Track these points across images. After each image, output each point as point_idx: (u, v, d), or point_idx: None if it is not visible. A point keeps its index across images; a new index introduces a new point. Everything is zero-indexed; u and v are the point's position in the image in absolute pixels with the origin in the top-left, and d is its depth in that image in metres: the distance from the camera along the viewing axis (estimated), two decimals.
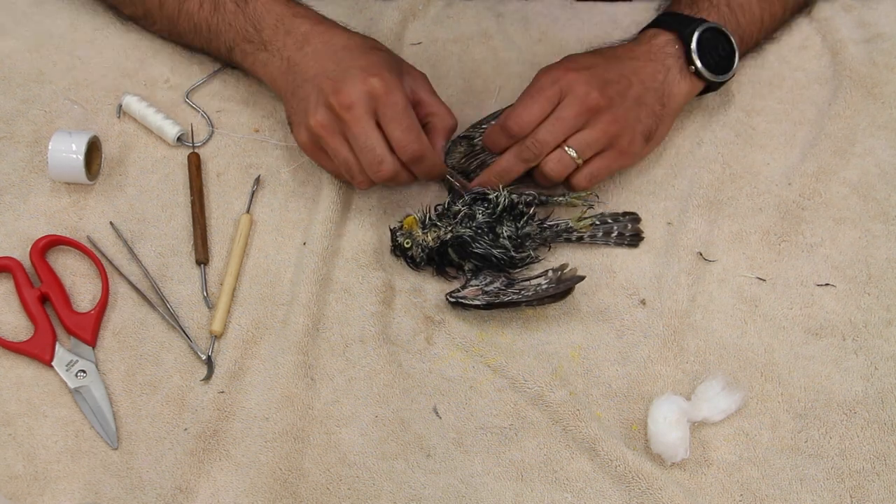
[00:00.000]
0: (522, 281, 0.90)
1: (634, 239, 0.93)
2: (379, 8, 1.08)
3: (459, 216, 0.90)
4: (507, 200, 0.90)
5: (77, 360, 0.85)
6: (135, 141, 0.97)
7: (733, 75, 0.96)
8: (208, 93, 1.01)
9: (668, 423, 0.82)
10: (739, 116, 1.01)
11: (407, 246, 0.90)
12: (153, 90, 1.00)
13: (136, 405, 0.84)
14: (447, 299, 0.88)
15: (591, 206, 0.94)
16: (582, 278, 0.87)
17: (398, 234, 0.90)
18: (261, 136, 0.98)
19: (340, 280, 0.91)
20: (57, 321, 0.87)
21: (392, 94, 0.86)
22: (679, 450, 0.81)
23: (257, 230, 0.93)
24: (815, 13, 1.08)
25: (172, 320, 0.88)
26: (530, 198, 0.92)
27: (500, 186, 0.91)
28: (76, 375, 0.84)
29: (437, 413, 0.85)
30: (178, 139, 0.97)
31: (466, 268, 0.90)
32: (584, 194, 0.93)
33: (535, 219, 0.91)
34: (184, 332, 0.87)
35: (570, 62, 0.91)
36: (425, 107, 0.91)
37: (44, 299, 0.88)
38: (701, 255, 0.93)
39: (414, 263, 0.91)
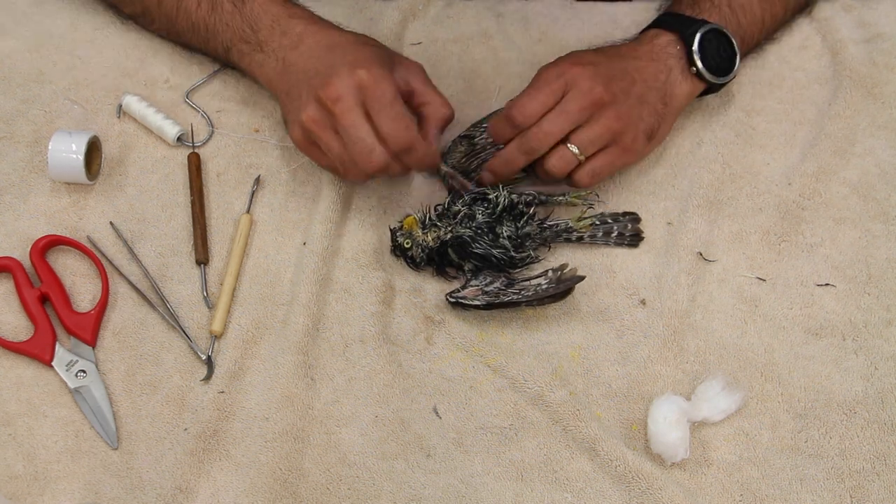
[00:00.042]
0: (522, 281, 0.90)
1: (634, 239, 0.93)
2: (379, 8, 1.08)
3: (459, 216, 0.90)
4: (506, 200, 0.90)
5: (77, 360, 0.85)
6: (135, 141, 0.97)
7: (734, 77, 0.96)
8: (208, 93, 1.01)
9: (668, 423, 0.82)
10: (739, 116, 1.01)
11: (407, 246, 0.90)
12: (153, 90, 1.00)
13: (136, 405, 0.84)
14: (447, 299, 0.88)
15: (591, 206, 0.94)
16: (582, 278, 0.87)
17: (398, 234, 0.90)
18: (261, 136, 0.98)
19: (340, 280, 0.91)
20: (57, 321, 0.87)
21: (379, 85, 0.85)
22: (679, 450, 0.81)
23: (257, 230, 0.93)
24: (815, 13, 1.08)
25: (172, 320, 0.88)
26: (530, 198, 0.92)
27: (500, 186, 0.91)
28: (76, 375, 0.84)
29: (437, 413, 0.85)
30: (178, 139, 0.97)
31: (466, 268, 0.90)
32: (583, 193, 0.93)
33: (535, 219, 0.91)
34: (184, 332, 0.87)
35: (574, 57, 0.91)
36: (419, 96, 0.92)
37: (44, 299, 0.88)
38: (701, 255, 0.93)
39: (414, 263, 0.91)
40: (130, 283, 0.89)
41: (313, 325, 0.88)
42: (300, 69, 0.90)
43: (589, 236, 0.93)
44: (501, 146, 0.92)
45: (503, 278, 0.89)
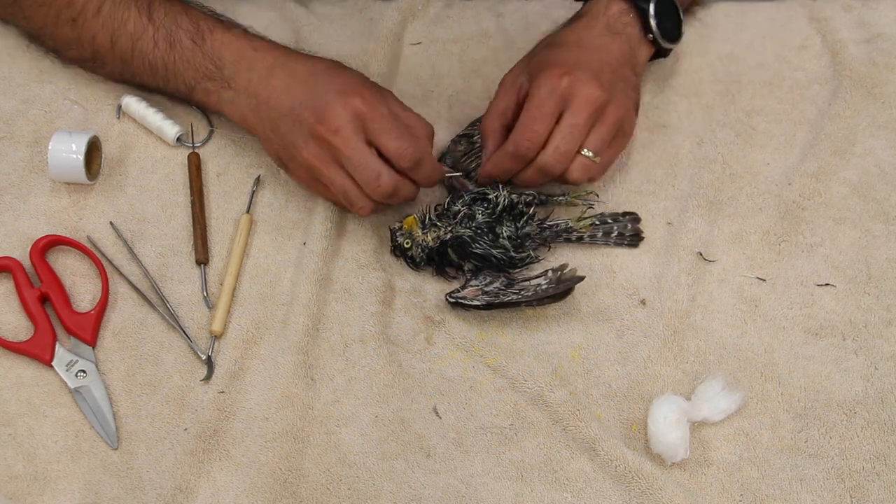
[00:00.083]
0: (522, 281, 0.89)
1: (634, 239, 0.93)
2: (379, 8, 1.07)
3: (459, 216, 0.90)
4: (506, 200, 0.90)
5: (77, 360, 0.85)
6: (135, 141, 0.97)
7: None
8: None
9: (668, 423, 0.82)
10: (739, 116, 1.01)
11: (407, 246, 0.90)
12: None
13: (136, 405, 0.84)
14: (447, 299, 0.88)
15: (591, 206, 0.94)
16: (582, 278, 0.87)
17: (398, 234, 0.90)
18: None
19: (340, 280, 0.91)
20: (57, 321, 0.87)
21: (376, 108, 0.85)
22: (679, 450, 0.81)
23: (257, 230, 0.93)
24: (815, 13, 1.08)
25: (172, 320, 0.88)
26: (530, 198, 0.92)
27: (500, 186, 0.91)
28: (76, 375, 0.84)
29: (437, 413, 0.85)
30: (178, 139, 0.97)
31: (466, 268, 0.90)
32: (583, 194, 0.93)
33: (535, 219, 0.91)
34: (184, 332, 0.87)
35: (555, 66, 0.88)
36: (401, 119, 0.89)
37: (44, 299, 0.88)
38: (701, 255, 0.93)
39: (414, 263, 0.91)
40: (130, 283, 0.89)
41: (313, 325, 0.88)
42: (280, 104, 0.87)
43: (589, 236, 0.93)
44: None
45: (503, 278, 0.89)
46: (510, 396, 0.85)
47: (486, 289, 0.89)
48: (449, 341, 0.88)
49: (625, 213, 0.95)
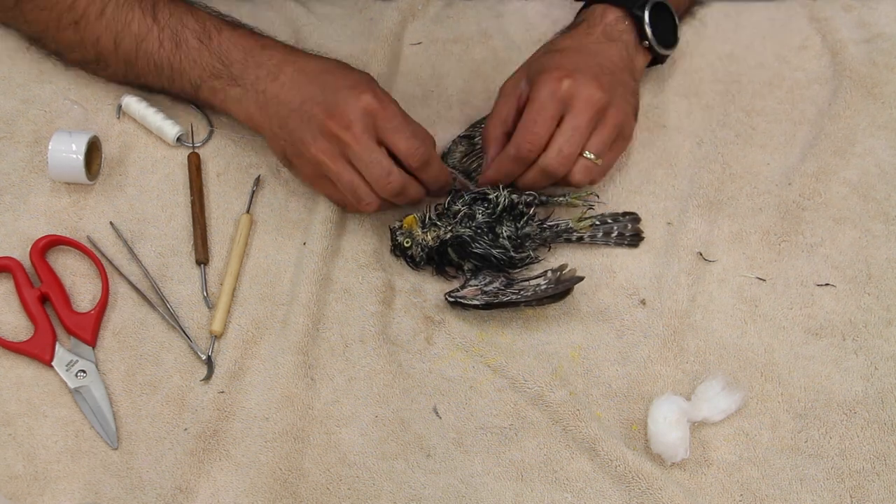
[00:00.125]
0: (522, 281, 0.90)
1: (634, 239, 0.93)
2: (379, 8, 1.07)
3: (459, 216, 0.90)
4: (507, 200, 0.90)
5: (77, 360, 0.85)
6: (135, 141, 0.97)
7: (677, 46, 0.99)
8: None
9: (668, 423, 0.82)
10: (739, 116, 1.01)
11: (406, 245, 0.90)
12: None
13: (136, 405, 0.84)
14: (446, 299, 0.88)
15: (591, 207, 0.94)
16: (581, 279, 0.87)
17: (398, 233, 0.90)
18: (260, 135, 0.98)
19: (340, 280, 0.91)
20: (57, 321, 0.87)
21: (387, 106, 0.85)
22: (679, 450, 0.81)
23: (257, 230, 0.93)
24: (815, 13, 1.08)
25: (172, 320, 0.88)
26: (530, 198, 0.92)
27: (500, 186, 0.91)
28: (76, 375, 0.84)
29: (437, 413, 0.85)
30: (178, 139, 0.97)
31: (466, 267, 0.90)
32: (583, 195, 0.93)
33: (535, 219, 0.91)
34: (184, 332, 0.87)
35: (555, 69, 0.89)
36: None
37: (44, 299, 0.88)
38: (701, 255, 0.93)
39: (413, 263, 0.91)
40: (130, 283, 0.89)
41: (313, 325, 0.88)
42: (290, 101, 0.87)
43: (589, 236, 0.93)
44: None
45: (502, 278, 0.89)
46: (510, 396, 0.85)
47: (485, 288, 0.89)
48: (449, 341, 0.88)
49: (625, 213, 0.95)
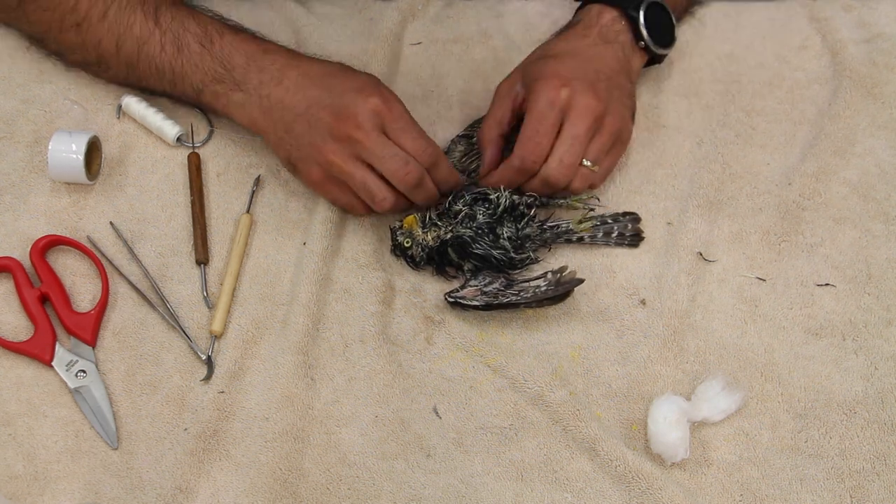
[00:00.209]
0: (521, 282, 0.89)
1: (635, 239, 0.93)
2: (379, 8, 1.07)
3: (460, 216, 0.90)
4: (507, 201, 0.90)
5: (77, 360, 0.85)
6: (135, 141, 0.97)
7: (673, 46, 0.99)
8: None
9: (668, 423, 0.82)
10: (739, 116, 1.01)
11: (407, 245, 0.90)
12: None
13: (136, 405, 0.84)
14: (446, 299, 0.88)
15: (591, 210, 0.94)
16: (581, 281, 0.87)
17: (398, 233, 0.90)
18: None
19: (340, 280, 0.91)
20: (57, 321, 0.87)
21: (394, 107, 0.86)
22: (679, 450, 0.81)
23: (257, 230, 0.93)
24: (815, 13, 1.08)
25: (172, 320, 0.88)
26: (531, 199, 0.92)
27: (501, 187, 0.91)
28: (76, 375, 0.84)
29: (437, 413, 0.85)
30: (178, 139, 0.97)
31: (466, 268, 0.90)
32: (584, 197, 0.93)
33: (536, 220, 0.91)
34: (184, 332, 0.87)
35: (552, 77, 0.89)
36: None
37: (44, 299, 0.88)
38: (701, 255, 0.93)
39: (414, 263, 0.91)
40: (130, 283, 0.89)
41: (313, 325, 0.88)
42: (295, 105, 0.87)
43: (589, 237, 0.93)
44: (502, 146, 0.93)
45: (502, 279, 0.89)
46: (510, 396, 0.85)
47: (485, 289, 0.89)
48: (449, 341, 0.88)
49: (625, 214, 0.95)
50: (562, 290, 0.87)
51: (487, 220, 0.90)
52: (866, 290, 0.91)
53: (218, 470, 0.81)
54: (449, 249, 0.89)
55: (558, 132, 0.88)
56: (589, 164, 0.89)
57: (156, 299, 0.89)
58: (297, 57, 0.91)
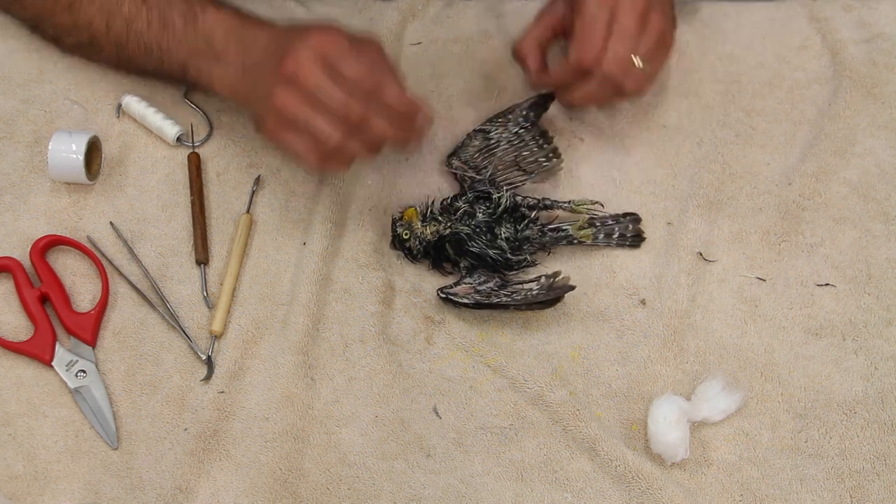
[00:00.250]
0: (516, 283, 0.89)
1: (636, 240, 0.93)
2: (379, 8, 1.07)
3: (459, 213, 0.90)
4: (509, 202, 0.90)
5: (77, 360, 0.85)
6: (135, 141, 0.97)
7: None
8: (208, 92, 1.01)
9: (668, 423, 0.82)
10: (739, 116, 1.01)
11: (405, 238, 0.90)
12: (153, 90, 1.00)
13: (136, 405, 0.84)
14: (438, 294, 0.88)
15: (593, 216, 0.93)
16: (572, 288, 0.87)
17: (398, 224, 0.90)
18: (260, 135, 0.98)
19: (340, 280, 0.91)
20: (57, 321, 0.87)
21: (333, 39, 0.83)
22: (679, 450, 0.81)
23: (257, 230, 0.93)
24: (815, 13, 1.08)
25: (172, 320, 0.88)
26: (534, 201, 0.92)
27: (504, 188, 0.91)
28: (76, 375, 0.84)
29: (437, 413, 0.85)
30: (178, 139, 0.97)
31: (462, 265, 0.90)
32: (587, 202, 0.93)
33: (537, 223, 0.91)
34: (184, 332, 0.87)
35: None
36: (365, 51, 0.86)
37: (44, 299, 0.88)
38: (701, 255, 0.93)
39: (411, 255, 0.91)
40: (130, 283, 0.89)
41: (313, 325, 0.88)
42: (257, 65, 0.87)
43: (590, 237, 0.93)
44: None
45: (497, 279, 0.89)
46: (510, 396, 0.85)
47: (479, 287, 0.89)
48: (449, 341, 0.88)
49: (625, 214, 0.94)
50: (552, 294, 0.87)
51: (486, 218, 0.90)
52: (866, 290, 0.91)
53: (218, 470, 0.81)
54: (446, 245, 0.89)
55: (611, 28, 0.89)
56: (640, 62, 0.89)
57: (156, 299, 0.89)
58: (276, 26, 0.90)
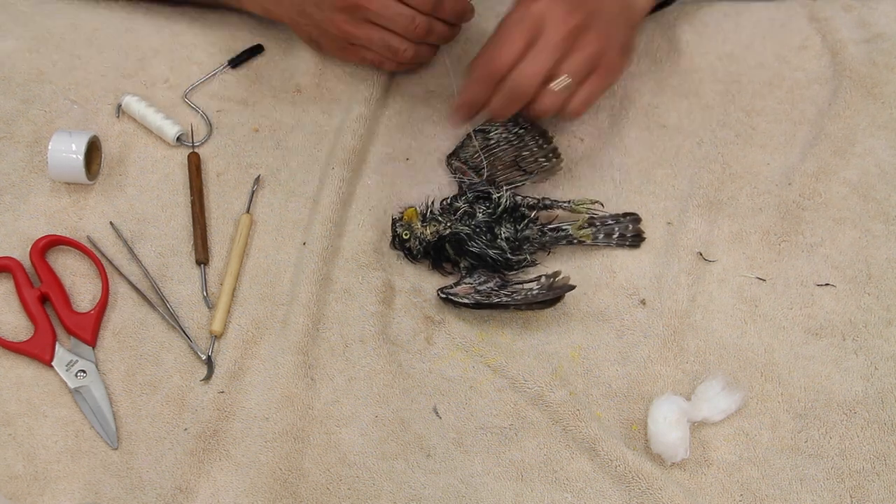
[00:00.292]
0: (516, 283, 0.89)
1: (636, 240, 0.93)
2: None
3: (459, 213, 0.90)
4: (509, 202, 0.90)
5: (77, 360, 0.85)
6: (135, 141, 0.97)
7: None
8: (207, 93, 1.01)
9: (668, 423, 0.82)
10: (739, 116, 1.01)
11: (405, 238, 0.90)
12: (153, 90, 1.00)
13: (136, 405, 0.84)
14: (438, 295, 0.88)
15: (593, 216, 0.93)
16: (572, 287, 0.87)
17: (398, 224, 0.90)
18: (261, 135, 0.98)
19: (340, 280, 0.91)
20: (57, 321, 0.87)
21: None
22: (679, 450, 0.81)
23: (257, 230, 0.93)
24: (815, 13, 1.08)
25: (172, 320, 0.88)
26: (534, 201, 0.92)
27: (504, 188, 0.91)
28: (76, 375, 0.84)
29: (437, 413, 0.85)
30: (178, 139, 0.97)
31: (462, 265, 0.90)
32: (588, 202, 0.93)
33: (537, 223, 0.91)
34: (184, 332, 0.87)
35: None
36: None
37: (44, 299, 0.88)
38: (701, 255, 0.93)
39: (411, 255, 0.91)
40: (130, 283, 0.90)
41: (313, 325, 0.88)
42: None
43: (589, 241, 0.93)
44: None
45: (497, 279, 0.89)
46: (510, 396, 0.85)
47: (479, 287, 0.89)
48: (449, 341, 0.88)
49: (625, 214, 0.94)
50: (552, 294, 0.87)
51: (486, 218, 0.90)
52: (866, 290, 0.91)
53: (218, 470, 0.81)
54: (446, 245, 0.89)
55: (532, 44, 0.85)
56: (568, 79, 0.85)
57: (156, 299, 0.89)
58: None
